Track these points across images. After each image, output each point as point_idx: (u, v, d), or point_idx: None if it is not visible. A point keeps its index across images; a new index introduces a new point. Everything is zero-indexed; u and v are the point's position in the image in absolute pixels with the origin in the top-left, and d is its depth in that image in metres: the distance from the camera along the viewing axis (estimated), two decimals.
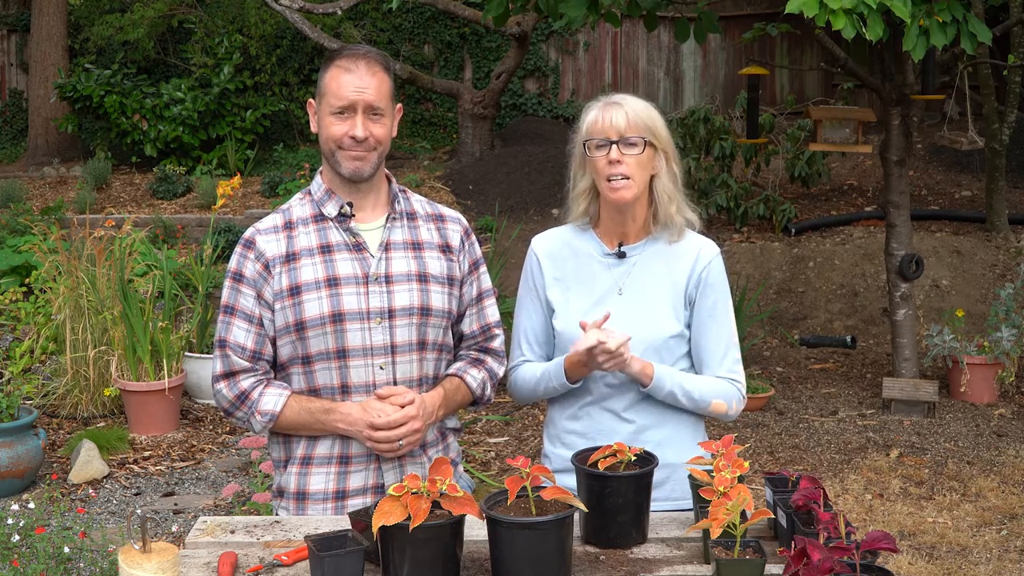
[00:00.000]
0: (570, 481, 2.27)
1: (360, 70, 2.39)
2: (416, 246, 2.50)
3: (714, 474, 2.07)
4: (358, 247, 2.45)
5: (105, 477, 5.45)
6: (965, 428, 6.10)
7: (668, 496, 2.49)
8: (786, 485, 2.24)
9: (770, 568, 1.99)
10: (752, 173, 9.81)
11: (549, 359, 2.64)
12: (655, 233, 2.58)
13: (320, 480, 2.46)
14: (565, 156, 2.64)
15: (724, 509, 1.96)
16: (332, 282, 2.41)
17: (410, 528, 1.90)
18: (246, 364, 2.45)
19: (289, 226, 2.47)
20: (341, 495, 2.45)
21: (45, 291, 6.70)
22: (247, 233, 2.49)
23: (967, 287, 8.16)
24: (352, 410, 2.39)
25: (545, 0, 5.67)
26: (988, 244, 8.58)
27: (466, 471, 3.55)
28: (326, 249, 2.44)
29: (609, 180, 2.48)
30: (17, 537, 3.66)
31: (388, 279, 2.44)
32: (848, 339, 7.67)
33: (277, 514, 2.53)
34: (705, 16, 6.26)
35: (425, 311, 2.45)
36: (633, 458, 2.22)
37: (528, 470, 2.04)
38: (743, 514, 1.99)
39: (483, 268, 2.62)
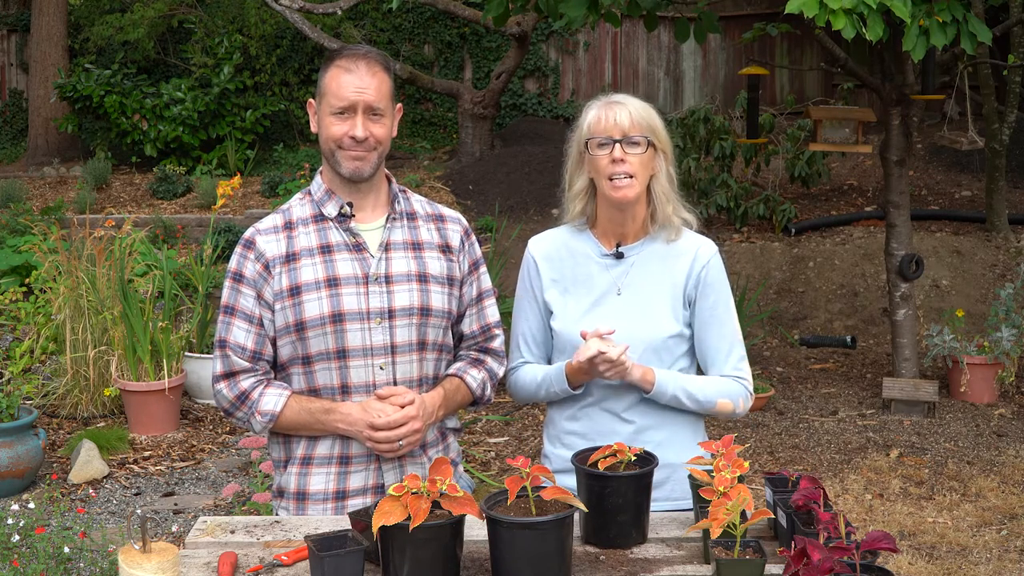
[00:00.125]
0: (570, 481, 2.27)
1: (360, 70, 2.39)
2: (416, 246, 2.49)
3: (714, 474, 2.07)
4: (358, 247, 2.45)
5: (105, 477, 5.45)
6: (965, 428, 6.10)
7: (668, 496, 2.49)
8: (786, 485, 2.24)
9: (770, 568, 1.99)
10: (752, 173, 9.81)
11: (548, 360, 2.64)
12: (653, 233, 2.58)
13: (320, 480, 2.46)
14: (563, 156, 2.64)
15: (724, 509, 1.96)
16: (332, 282, 2.41)
17: (410, 528, 1.90)
18: (246, 364, 2.45)
19: (289, 226, 2.47)
20: (341, 495, 2.45)
21: (45, 291, 6.70)
22: (247, 233, 2.49)
23: (967, 287, 8.16)
24: (352, 410, 2.39)
25: (545, 0, 5.67)
26: (988, 244, 8.58)
27: (466, 471, 3.55)
28: (326, 249, 2.44)
29: (611, 179, 2.48)
30: (17, 537, 3.66)
31: (388, 279, 2.44)
32: (848, 339, 7.67)
33: (277, 514, 2.53)
34: (705, 16, 6.26)
35: (425, 311, 2.45)
36: (633, 458, 2.22)
37: (528, 470, 2.04)
38: (743, 514, 1.99)
39: (483, 268, 2.62)
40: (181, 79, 11.81)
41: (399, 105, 2.53)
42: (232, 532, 2.28)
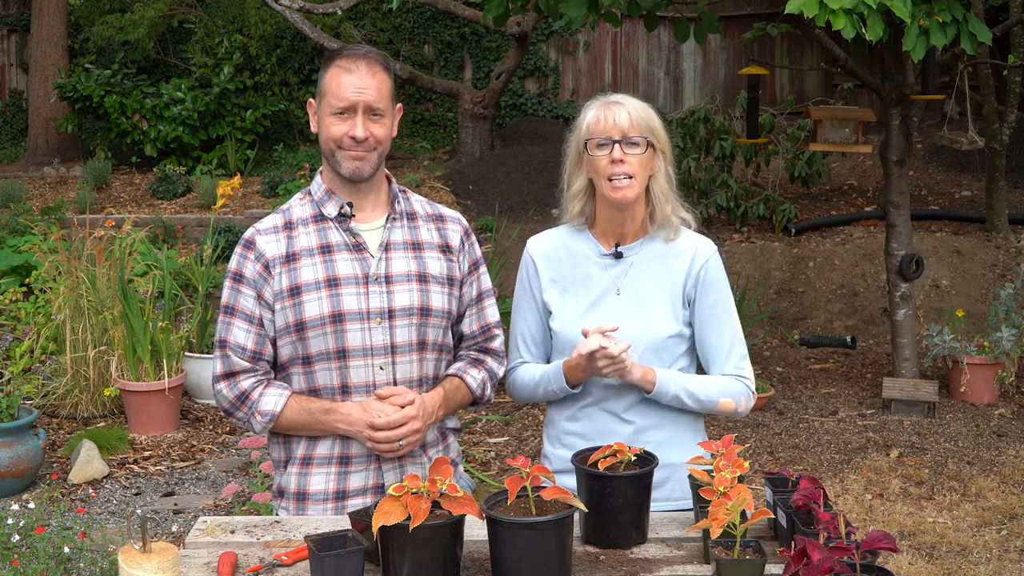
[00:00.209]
0: (570, 482, 2.27)
1: (360, 70, 2.39)
2: (416, 246, 2.49)
3: (714, 474, 2.07)
4: (358, 247, 2.45)
5: (105, 477, 5.45)
6: (965, 428, 6.10)
7: (668, 496, 2.49)
8: (786, 485, 2.24)
9: (770, 568, 1.99)
10: (752, 173, 9.81)
11: (547, 360, 2.64)
12: (651, 233, 2.57)
13: (320, 480, 2.46)
14: (562, 156, 2.64)
15: (724, 509, 1.96)
16: (332, 282, 2.41)
17: (410, 528, 1.90)
18: (246, 364, 2.45)
19: (289, 226, 2.47)
20: (341, 495, 2.45)
21: (45, 291, 6.70)
22: (247, 233, 2.49)
23: (967, 287, 8.16)
24: (352, 410, 2.39)
25: (545, 0, 5.67)
26: (988, 244, 8.57)
27: (466, 471, 3.55)
28: (326, 249, 2.44)
29: (611, 179, 2.48)
30: (17, 537, 3.66)
31: (388, 279, 2.44)
32: (848, 339, 7.67)
33: (277, 514, 2.53)
34: (705, 16, 6.26)
35: (425, 311, 2.45)
36: (633, 458, 2.22)
37: (528, 470, 2.04)
38: (743, 514, 1.99)
39: (483, 268, 2.62)
40: (181, 79, 11.81)
41: (399, 105, 2.53)
42: (232, 532, 2.28)
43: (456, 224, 2.58)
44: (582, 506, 2.10)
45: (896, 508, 4.97)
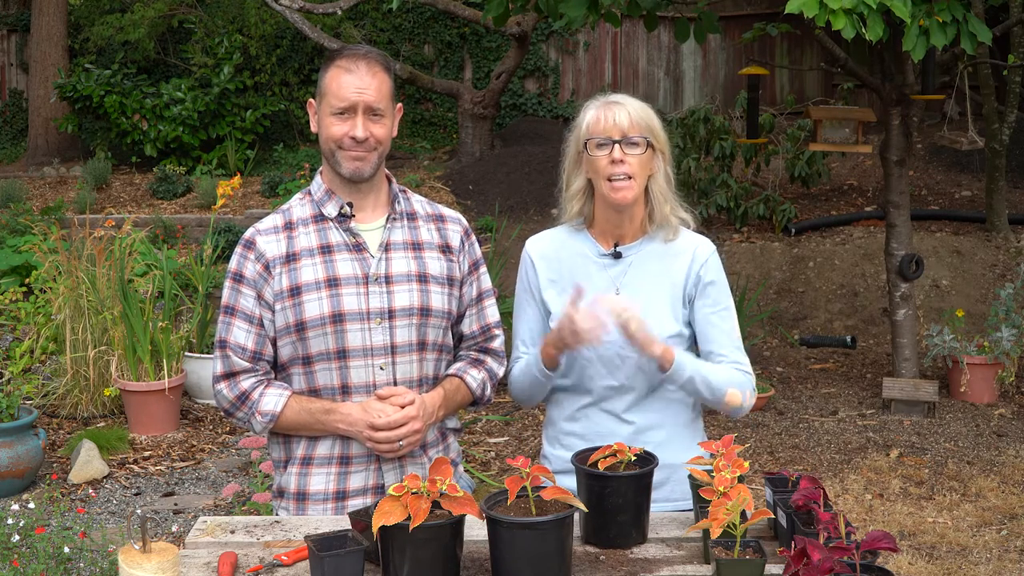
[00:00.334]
0: (569, 482, 2.27)
1: (360, 70, 2.39)
2: (416, 246, 2.49)
3: (714, 474, 2.07)
4: (358, 247, 2.45)
5: (105, 477, 5.45)
6: (965, 428, 6.10)
7: (668, 497, 2.49)
8: (786, 485, 2.24)
9: (770, 568, 1.99)
10: (752, 173, 9.81)
11: None
12: (651, 233, 2.57)
13: (320, 480, 2.46)
14: (561, 156, 2.63)
15: (724, 509, 1.96)
16: (332, 282, 2.41)
17: (410, 528, 1.90)
18: (246, 364, 2.45)
19: (289, 226, 2.47)
20: (341, 495, 2.45)
21: (45, 291, 6.70)
22: (247, 233, 2.49)
23: (967, 287, 8.16)
24: (352, 410, 2.39)
25: (545, 0, 5.67)
26: (988, 244, 8.58)
27: (466, 471, 3.55)
28: (326, 249, 2.44)
29: (611, 180, 2.47)
30: (17, 537, 3.66)
31: (388, 279, 2.44)
32: (848, 339, 7.67)
33: (277, 514, 2.53)
34: (705, 16, 6.26)
35: (425, 311, 2.45)
36: (633, 458, 2.22)
37: (528, 470, 2.04)
38: (743, 514, 1.99)
39: (483, 268, 2.62)
40: (181, 79, 11.81)
41: (399, 105, 2.53)
42: (232, 532, 2.28)
43: (456, 224, 2.58)
44: (582, 506, 2.10)
45: (896, 508, 4.97)
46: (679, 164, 8.81)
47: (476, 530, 2.14)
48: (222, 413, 2.51)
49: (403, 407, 2.37)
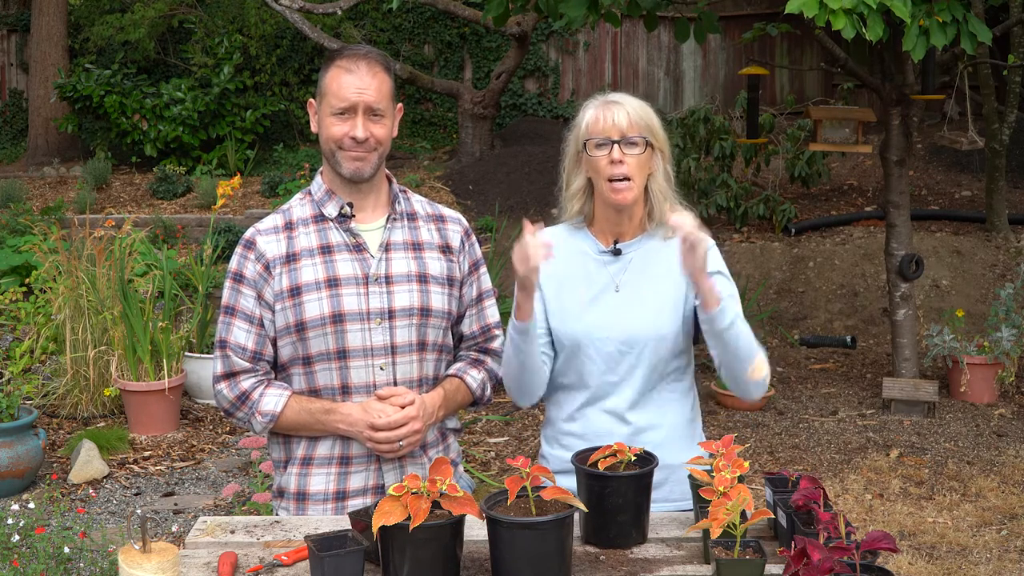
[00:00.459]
0: (568, 482, 2.27)
1: (361, 71, 2.39)
2: (416, 247, 2.49)
3: (714, 474, 2.07)
4: (358, 248, 2.45)
5: (105, 477, 5.45)
6: (965, 428, 6.10)
7: (667, 497, 2.49)
8: (786, 485, 2.24)
9: (770, 568, 1.99)
10: (752, 173, 9.81)
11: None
12: (650, 230, 2.57)
13: (320, 481, 2.46)
14: (561, 155, 2.63)
15: (724, 509, 1.96)
16: (332, 283, 2.41)
17: (410, 528, 1.90)
18: (247, 365, 2.45)
19: (289, 226, 2.47)
20: (341, 496, 2.45)
21: (45, 291, 6.70)
22: (247, 233, 2.49)
23: (967, 287, 8.16)
24: (352, 411, 2.39)
25: (545, 0, 5.67)
26: (988, 244, 8.58)
27: (466, 471, 3.55)
28: (326, 250, 2.44)
29: (610, 180, 2.47)
30: (17, 537, 3.66)
31: (388, 280, 2.44)
32: (848, 339, 7.67)
33: (277, 514, 2.53)
34: (705, 16, 6.26)
35: (425, 312, 2.45)
36: (633, 458, 2.22)
37: (528, 470, 2.04)
38: (743, 514, 1.99)
39: (483, 269, 2.62)
40: (181, 79, 11.82)
41: (399, 105, 2.53)
42: (232, 532, 2.28)
43: (456, 224, 2.58)
44: (582, 506, 2.10)
45: (896, 508, 4.97)
46: (679, 164, 8.80)
47: (476, 530, 2.14)
48: (222, 413, 2.51)
49: (403, 407, 2.38)
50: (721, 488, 2.02)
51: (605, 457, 2.20)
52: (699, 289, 2.38)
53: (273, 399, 2.43)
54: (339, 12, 9.78)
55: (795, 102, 11.82)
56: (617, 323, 2.49)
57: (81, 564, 3.72)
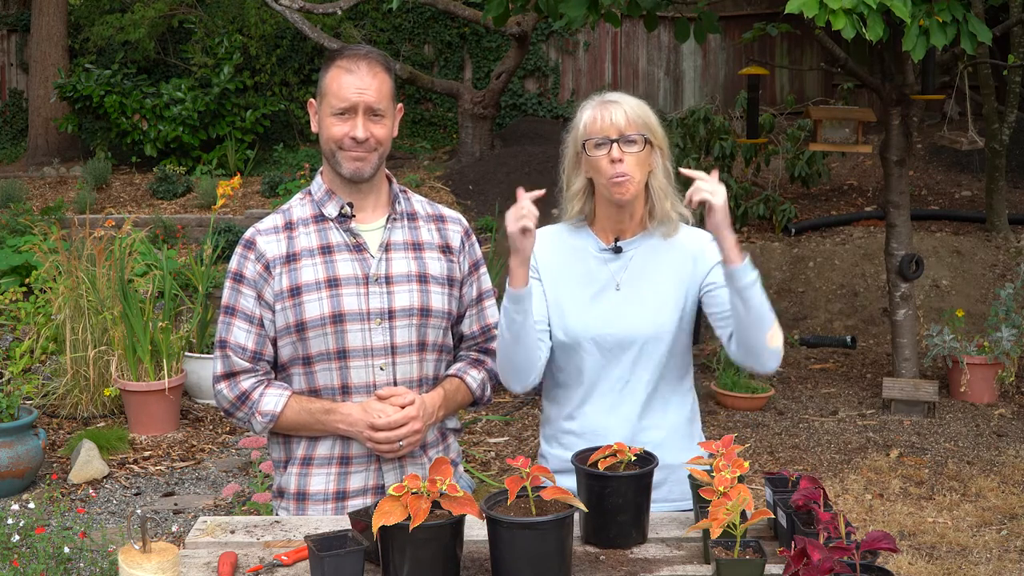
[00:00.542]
0: (567, 482, 2.27)
1: (361, 71, 2.39)
2: (416, 247, 2.49)
3: (714, 474, 2.07)
4: (358, 248, 2.45)
5: (105, 477, 5.45)
6: (965, 428, 6.10)
7: (666, 497, 2.49)
8: (786, 485, 2.24)
9: (770, 568, 1.99)
10: (752, 173, 9.81)
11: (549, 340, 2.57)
12: (650, 228, 2.57)
13: (320, 481, 2.46)
14: (560, 156, 2.63)
15: (724, 509, 1.96)
16: (332, 283, 2.41)
17: (410, 528, 1.90)
18: (247, 365, 2.45)
19: (289, 226, 2.47)
20: (341, 496, 2.45)
21: (45, 291, 6.70)
22: (247, 233, 2.49)
23: (967, 287, 8.16)
24: (352, 411, 2.39)
25: (545, 0, 5.67)
26: (988, 244, 8.58)
27: (466, 471, 3.55)
28: (326, 250, 2.44)
29: (610, 179, 2.47)
30: (17, 537, 3.66)
31: (388, 280, 2.44)
32: (848, 339, 7.67)
33: (277, 514, 2.53)
34: (705, 16, 6.26)
35: (425, 312, 2.45)
36: (633, 458, 2.22)
37: (528, 470, 2.04)
38: (743, 514, 1.99)
39: (483, 269, 2.62)
40: (181, 79, 11.81)
41: (400, 105, 2.52)
42: (232, 532, 2.28)
43: (457, 225, 2.58)
44: (582, 506, 2.10)
45: (896, 508, 4.97)
46: (679, 164, 8.78)
47: (476, 530, 2.14)
48: (222, 413, 2.51)
49: (403, 407, 2.38)
50: (721, 488, 2.02)
51: (605, 457, 2.20)
52: (722, 244, 2.36)
53: (273, 399, 2.43)
54: (339, 12, 9.78)
55: (795, 102, 11.82)
56: (617, 321, 2.49)
57: (81, 564, 3.72)
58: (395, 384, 2.42)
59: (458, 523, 2.00)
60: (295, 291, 2.41)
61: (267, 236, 2.46)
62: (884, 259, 6.78)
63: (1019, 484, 5.27)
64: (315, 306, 2.40)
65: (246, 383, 2.45)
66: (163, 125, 11.35)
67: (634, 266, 2.55)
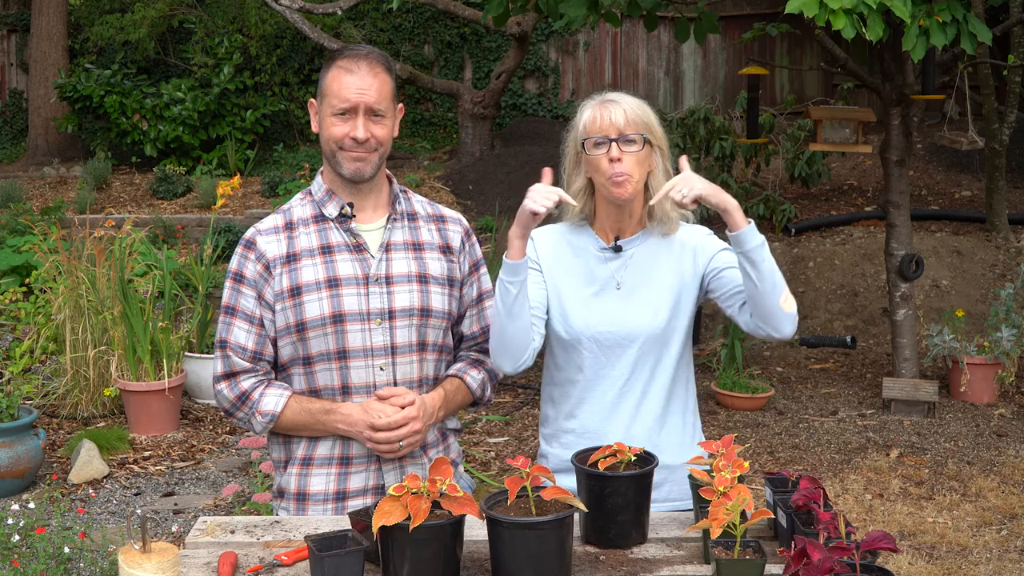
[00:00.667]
0: (567, 482, 2.27)
1: (362, 71, 2.39)
2: (416, 247, 2.50)
3: (714, 474, 2.07)
4: (358, 248, 2.45)
5: (105, 477, 5.45)
6: (965, 428, 6.10)
7: (666, 497, 2.49)
8: (786, 485, 2.24)
9: (770, 568, 1.99)
10: (752, 173, 9.81)
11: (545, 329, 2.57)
12: (650, 227, 2.58)
13: (320, 481, 2.46)
14: (560, 156, 2.64)
15: (724, 509, 1.96)
16: (333, 283, 2.41)
17: (410, 528, 1.90)
18: (247, 365, 2.45)
19: (290, 227, 2.47)
20: (341, 496, 2.45)
21: (45, 291, 6.70)
22: (248, 233, 2.49)
23: (967, 287, 8.16)
24: (352, 411, 2.39)
25: (545, 0, 5.67)
26: (988, 244, 8.58)
27: (466, 471, 3.55)
28: (327, 250, 2.44)
29: (610, 178, 2.48)
30: (17, 537, 3.66)
31: (388, 280, 2.44)
32: (848, 339, 7.67)
33: (277, 514, 2.53)
34: (705, 16, 6.26)
35: (425, 312, 2.45)
36: (633, 458, 2.22)
37: (528, 470, 2.04)
38: (743, 514, 1.99)
39: (483, 269, 2.62)
40: (181, 79, 11.82)
41: (400, 105, 2.52)
42: (232, 532, 2.29)
43: (457, 225, 2.58)
44: (582, 506, 2.10)
45: (896, 508, 4.97)
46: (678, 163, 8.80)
47: (476, 530, 2.14)
48: (222, 413, 2.51)
49: (403, 407, 2.38)
50: (721, 488, 2.02)
51: (605, 457, 2.20)
52: (723, 210, 2.35)
53: (273, 399, 2.43)
54: (339, 12, 9.78)
55: (795, 102, 11.81)
56: (618, 320, 2.49)
57: (81, 564, 3.72)
58: (395, 384, 2.42)
59: (458, 523, 2.00)
60: (295, 291, 2.41)
61: (267, 236, 2.46)
62: (884, 259, 6.78)
63: (1019, 484, 5.27)
64: (315, 306, 2.40)
65: (246, 383, 2.45)
66: (163, 125, 11.36)
67: (634, 265, 2.55)
